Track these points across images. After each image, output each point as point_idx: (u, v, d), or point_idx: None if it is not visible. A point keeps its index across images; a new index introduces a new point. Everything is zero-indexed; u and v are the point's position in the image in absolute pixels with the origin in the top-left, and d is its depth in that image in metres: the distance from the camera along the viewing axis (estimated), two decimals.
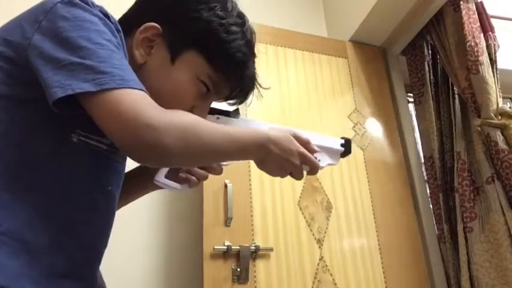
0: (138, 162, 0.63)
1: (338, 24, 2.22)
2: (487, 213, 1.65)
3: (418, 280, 1.68)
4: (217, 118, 0.79)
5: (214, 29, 0.71)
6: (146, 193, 0.93)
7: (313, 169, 0.77)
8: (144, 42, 0.71)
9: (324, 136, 0.84)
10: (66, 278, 0.61)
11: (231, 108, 0.82)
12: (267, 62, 1.84)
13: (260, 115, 1.68)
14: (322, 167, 0.80)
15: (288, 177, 0.76)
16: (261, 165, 0.74)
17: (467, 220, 1.67)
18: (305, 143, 0.76)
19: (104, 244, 0.71)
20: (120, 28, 0.66)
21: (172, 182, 0.80)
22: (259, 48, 1.99)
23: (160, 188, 0.83)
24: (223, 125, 0.71)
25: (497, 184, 1.64)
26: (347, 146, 0.85)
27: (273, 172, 0.75)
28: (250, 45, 0.76)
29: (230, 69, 0.74)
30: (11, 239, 0.55)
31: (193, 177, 0.83)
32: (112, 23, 0.65)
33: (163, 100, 0.68)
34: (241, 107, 0.83)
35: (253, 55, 0.78)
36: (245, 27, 0.75)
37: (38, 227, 0.58)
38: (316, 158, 0.78)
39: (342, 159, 0.85)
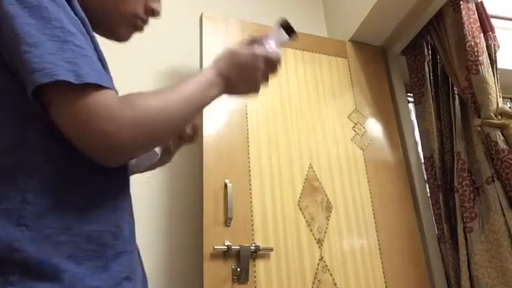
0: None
1: (338, 24, 2.22)
2: (487, 213, 1.65)
3: (418, 280, 1.68)
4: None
5: None
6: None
7: (276, 62, 0.76)
8: None
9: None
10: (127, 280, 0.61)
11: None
12: None
13: (260, 115, 1.68)
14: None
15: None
16: (232, 93, 0.74)
17: (467, 220, 1.67)
18: (262, 42, 0.76)
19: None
20: None
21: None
22: None
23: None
24: (169, 90, 0.65)
25: (497, 184, 1.64)
26: (285, 24, 0.83)
27: (248, 92, 0.76)
28: None
29: None
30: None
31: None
32: None
33: None
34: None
35: None
36: None
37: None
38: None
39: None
